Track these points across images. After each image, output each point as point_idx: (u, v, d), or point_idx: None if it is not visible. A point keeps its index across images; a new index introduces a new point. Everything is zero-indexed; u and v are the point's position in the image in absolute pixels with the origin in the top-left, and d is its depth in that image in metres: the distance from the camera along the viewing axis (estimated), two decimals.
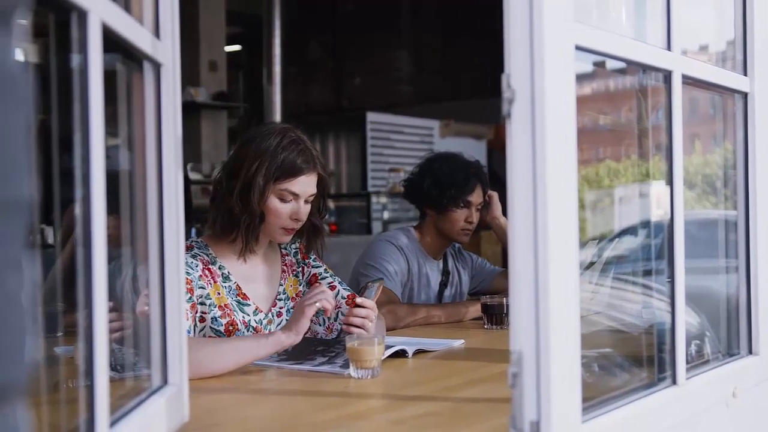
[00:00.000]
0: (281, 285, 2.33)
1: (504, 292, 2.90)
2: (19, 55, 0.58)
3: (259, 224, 2.18)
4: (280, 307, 2.31)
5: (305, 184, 2.18)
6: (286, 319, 2.28)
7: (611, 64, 1.52)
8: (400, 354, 2.08)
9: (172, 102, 1.36)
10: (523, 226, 1.16)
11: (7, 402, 0.55)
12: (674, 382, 1.49)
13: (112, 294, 1.06)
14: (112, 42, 1.09)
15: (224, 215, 2.18)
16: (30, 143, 0.58)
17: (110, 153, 1.07)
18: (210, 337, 2.13)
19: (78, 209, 0.99)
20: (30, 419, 0.61)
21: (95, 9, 0.99)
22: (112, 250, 1.06)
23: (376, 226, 7.28)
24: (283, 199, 2.17)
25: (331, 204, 7.62)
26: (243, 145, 2.20)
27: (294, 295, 2.34)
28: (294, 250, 2.40)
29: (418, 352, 2.15)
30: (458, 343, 2.32)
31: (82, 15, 0.98)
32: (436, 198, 2.96)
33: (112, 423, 1.07)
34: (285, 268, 2.36)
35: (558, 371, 1.15)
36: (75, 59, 1.00)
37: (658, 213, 1.89)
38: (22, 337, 0.56)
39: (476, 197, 2.98)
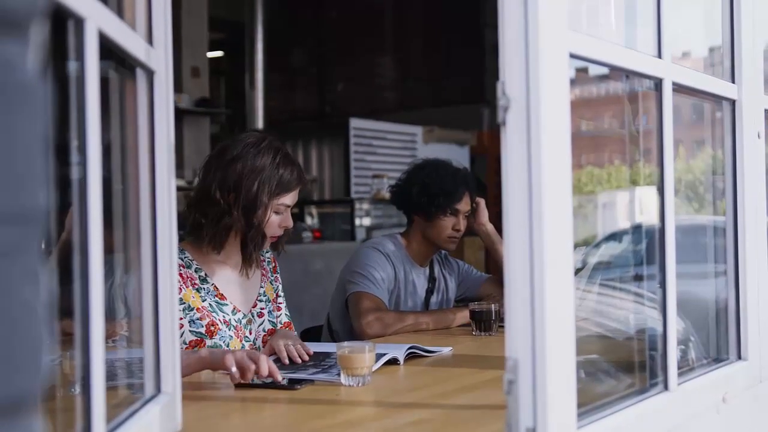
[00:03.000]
0: (261, 287, 2.41)
1: (490, 298, 2.91)
2: (35, 65, 0.58)
3: (263, 240, 2.26)
4: (261, 308, 2.38)
5: (296, 195, 2.31)
6: (269, 320, 2.38)
7: (593, 70, 1.53)
8: (391, 361, 2.08)
9: (165, 109, 1.36)
10: (519, 233, 1.16)
11: (26, 411, 0.55)
12: (666, 387, 1.50)
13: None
14: (106, 49, 1.09)
15: (224, 231, 2.24)
16: (46, 153, 0.58)
17: (102, 160, 1.07)
18: (191, 341, 2.18)
19: (75, 216, 0.99)
20: (45, 429, 0.60)
21: (92, 16, 0.99)
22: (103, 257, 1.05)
23: (360, 233, 7.26)
24: (278, 212, 2.28)
25: (314, 210, 7.62)
26: (233, 161, 2.23)
27: (271, 300, 2.43)
28: (267, 259, 2.48)
29: (410, 356, 2.15)
30: (447, 350, 2.33)
31: (79, 22, 0.97)
32: (424, 205, 2.96)
33: None
34: (264, 272, 2.44)
35: (554, 378, 1.15)
36: (71, 66, 0.99)
37: (642, 219, 1.90)
38: (39, 346, 0.56)
39: (464, 205, 2.98)
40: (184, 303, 2.18)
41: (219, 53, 10.48)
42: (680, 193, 1.93)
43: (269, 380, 1.85)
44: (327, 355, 2.18)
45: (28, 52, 0.57)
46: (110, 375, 1.31)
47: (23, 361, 0.55)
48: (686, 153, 2.08)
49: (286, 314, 2.49)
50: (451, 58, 9.49)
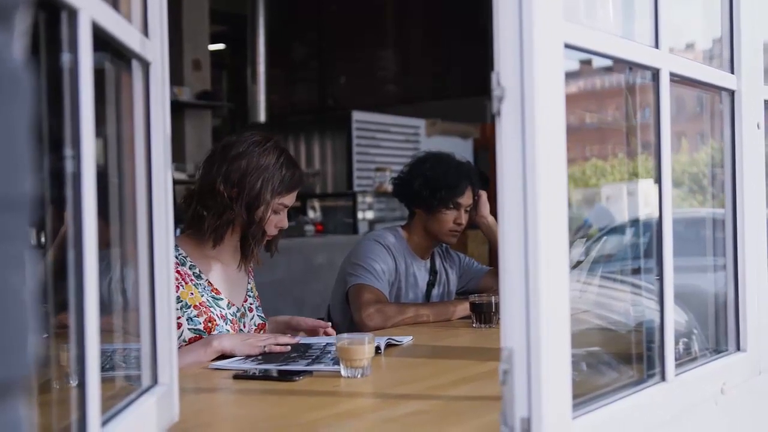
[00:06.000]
0: (249, 283, 2.45)
1: (492, 290, 2.91)
2: (20, 54, 0.58)
3: (263, 236, 2.29)
4: (250, 303, 2.43)
5: (294, 197, 2.35)
6: (258, 315, 2.43)
7: (597, 62, 1.53)
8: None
9: (161, 101, 1.36)
10: (514, 224, 1.16)
11: (10, 398, 0.56)
12: (663, 378, 1.50)
13: (100, 294, 1.06)
14: (100, 40, 1.09)
15: (225, 225, 2.26)
16: (31, 141, 0.58)
17: (97, 153, 1.06)
18: (190, 338, 2.18)
19: (68, 210, 0.99)
20: (31, 415, 0.61)
21: (85, 7, 0.99)
22: (99, 251, 1.05)
23: (362, 226, 7.27)
24: (276, 212, 2.31)
25: (316, 204, 7.62)
26: (237, 157, 2.26)
27: (256, 296, 2.48)
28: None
29: (389, 346, 2.21)
30: (408, 339, 2.35)
31: (73, 13, 0.97)
32: (426, 199, 2.96)
33: (104, 422, 1.07)
34: (250, 269, 2.48)
35: (548, 368, 1.15)
36: (65, 58, 0.99)
37: (645, 211, 1.89)
38: (25, 333, 0.57)
39: (466, 199, 2.98)
40: (182, 301, 2.20)
41: (221, 46, 10.48)
42: (683, 185, 1.93)
43: (268, 372, 1.86)
44: (308, 346, 2.18)
45: (12, 41, 0.57)
46: (108, 366, 1.32)
47: (8, 346, 0.55)
48: (687, 145, 2.08)
49: (260, 315, 2.49)
50: (453, 50, 9.48)
